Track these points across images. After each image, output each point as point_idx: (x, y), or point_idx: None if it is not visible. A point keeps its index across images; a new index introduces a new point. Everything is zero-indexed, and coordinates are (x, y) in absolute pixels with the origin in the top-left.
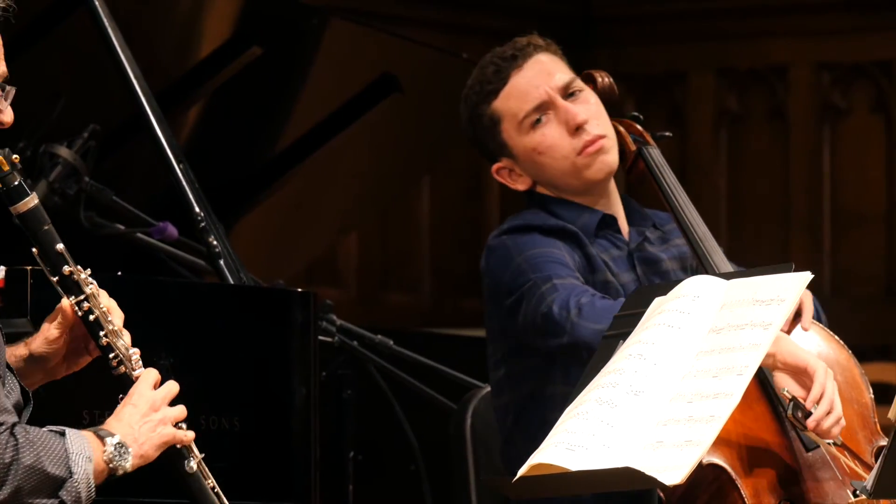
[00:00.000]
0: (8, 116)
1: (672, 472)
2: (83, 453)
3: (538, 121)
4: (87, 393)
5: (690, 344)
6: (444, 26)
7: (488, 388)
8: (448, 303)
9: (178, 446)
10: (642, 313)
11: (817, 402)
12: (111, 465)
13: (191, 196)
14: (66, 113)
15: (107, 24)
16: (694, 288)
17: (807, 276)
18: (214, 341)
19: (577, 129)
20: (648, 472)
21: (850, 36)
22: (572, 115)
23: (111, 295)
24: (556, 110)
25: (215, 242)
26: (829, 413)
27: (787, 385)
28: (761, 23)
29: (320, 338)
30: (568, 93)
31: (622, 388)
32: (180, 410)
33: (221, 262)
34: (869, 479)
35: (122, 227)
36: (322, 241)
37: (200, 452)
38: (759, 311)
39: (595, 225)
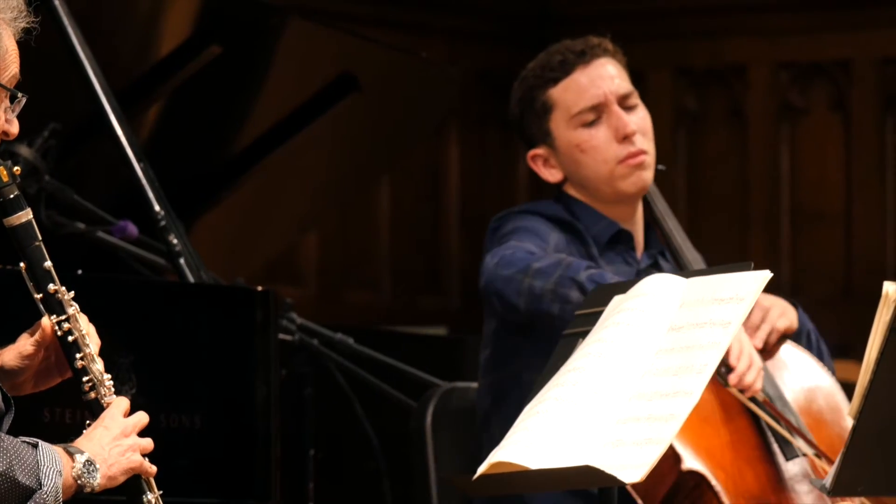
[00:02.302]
0: (16, 128)
1: (631, 470)
2: (54, 467)
3: (590, 122)
4: (49, 390)
5: (650, 342)
6: (403, 26)
7: (448, 386)
8: (407, 301)
9: (142, 479)
10: (601, 312)
11: (738, 358)
12: (79, 482)
13: (151, 195)
14: (27, 112)
15: (67, 22)
16: (653, 286)
17: (766, 275)
18: (175, 340)
19: (624, 139)
20: (608, 471)
21: (809, 35)
22: (623, 124)
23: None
24: (609, 115)
25: (175, 241)
26: (749, 367)
27: None
28: (719, 22)
29: (280, 336)
30: (625, 104)
31: (582, 386)
32: (148, 442)
33: (182, 260)
34: (828, 476)
35: (82, 225)
36: (282, 239)
37: (160, 456)
38: (719, 309)
39: (609, 236)
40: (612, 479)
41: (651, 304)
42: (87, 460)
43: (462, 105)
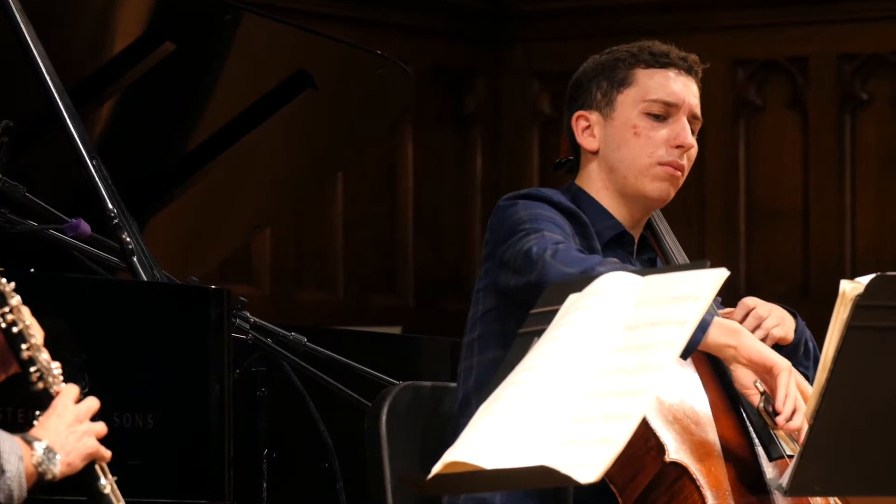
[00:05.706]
0: None
1: (587, 469)
2: (15, 452)
3: (656, 115)
4: (1, 390)
5: (606, 341)
6: (358, 22)
7: (403, 385)
8: (361, 300)
9: (95, 465)
10: (557, 310)
11: (784, 403)
12: (40, 469)
13: (104, 193)
14: None
15: (19, 19)
16: (609, 285)
17: (723, 273)
18: (128, 338)
19: (677, 147)
20: (563, 470)
21: (766, 32)
22: (685, 135)
23: (25, 292)
24: (675, 121)
25: (128, 239)
26: (794, 412)
27: (747, 379)
28: (675, 18)
29: (234, 335)
30: (691, 125)
31: (537, 385)
32: (102, 426)
33: (135, 258)
34: (785, 476)
35: (35, 223)
36: (236, 238)
37: (112, 456)
38: (675, 308)
39: (612, 236)
40: (566, 479)
41: (607, 302)
42: (47, 447)
43: (418, 103)
